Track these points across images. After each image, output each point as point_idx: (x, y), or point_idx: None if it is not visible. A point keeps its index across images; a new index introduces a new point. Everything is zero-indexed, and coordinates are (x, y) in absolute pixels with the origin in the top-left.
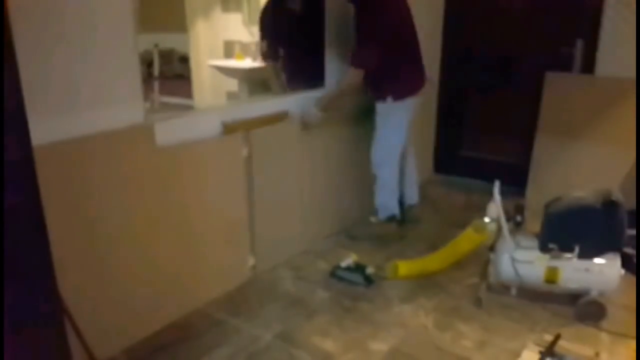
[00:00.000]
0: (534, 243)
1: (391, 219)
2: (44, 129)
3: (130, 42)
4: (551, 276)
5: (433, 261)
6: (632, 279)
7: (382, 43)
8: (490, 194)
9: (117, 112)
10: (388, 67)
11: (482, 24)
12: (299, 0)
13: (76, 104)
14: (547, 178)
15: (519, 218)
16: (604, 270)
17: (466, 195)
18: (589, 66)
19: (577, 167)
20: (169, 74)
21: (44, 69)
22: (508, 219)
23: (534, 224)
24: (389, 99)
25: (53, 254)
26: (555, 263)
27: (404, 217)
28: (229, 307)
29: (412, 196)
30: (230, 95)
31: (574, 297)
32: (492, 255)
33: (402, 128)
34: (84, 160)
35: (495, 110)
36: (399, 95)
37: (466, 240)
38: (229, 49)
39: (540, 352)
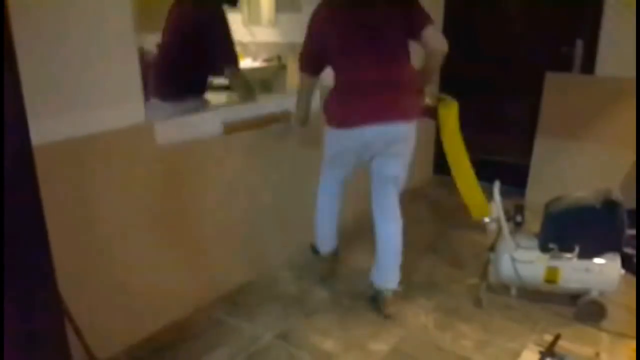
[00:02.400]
0: (534, 243)
1: (313, 250)
2: (44, 129)
3: (130, 42)
4: (551, 276)
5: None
6: (632, 279)
7: (316, 50)
8: (490, 194)
9: (117, 112)
10: (335, 83)
11: (481, 24)
12: None
13: (76, 104)
14: (547, 178)
15: (519, 218)
16: (604, 270)
17: None
18: (589, 66)
19: (577, 167)
20: None
21: (44, 69)
22: (508, 219)
23: (534, 224)
24: (326, 123)
25: (53, 253)
26: (555, 263)
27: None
28: (229, 307)
29: (382, 278)
30: (231, 95)
31: (574, 297)
32: (492, 255)
33: (335, 160)
34: (84, 160)
35: (495, 110)
36: (334, 120)
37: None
38: None
39: (541, 352)
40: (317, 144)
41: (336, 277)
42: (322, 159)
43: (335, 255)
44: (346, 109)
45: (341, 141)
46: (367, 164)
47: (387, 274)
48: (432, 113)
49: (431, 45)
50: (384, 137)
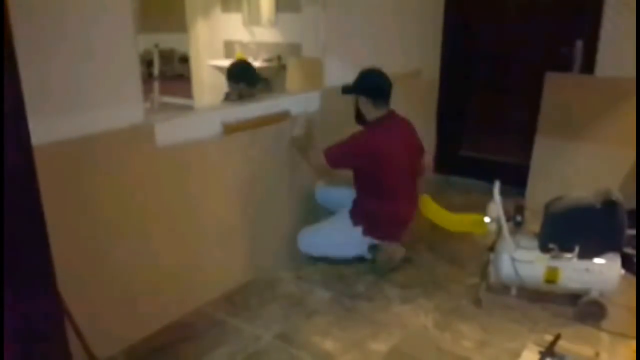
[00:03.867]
0: (534, 243)
1: (375, 249)
2: (45, 129)
3: (130, 42)
4: (551, 276)
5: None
6: (632, 279)
7: (357, 163)
8: (490, 194)
9: (117, 112)
10: (368, 194)
11: (482, 24)
12: None
13: (76, 104)
14: (547, 178)
15: (519, 218)
16: (604, 270)
17: (466, 195)
18: (589, 66)
19: (577, 167)
20: (169, 74)
21: (44, 69)
22: (508, 219)
23: (534, 224)
24: (360, 228)
25: (53, 253)
26: (555, 263)
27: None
28: (229, 307)
29: None
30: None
31: (574, 297)
32: (492, 255)
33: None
34: (84, 160)
35: (495, 110)
36: (374, 233)
37: (468, 223)
38: (229, 49)
39: (540, 352)
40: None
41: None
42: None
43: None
44: (387, 231)
45: (363, 241)
46: None
47: None
48: None
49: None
50: None
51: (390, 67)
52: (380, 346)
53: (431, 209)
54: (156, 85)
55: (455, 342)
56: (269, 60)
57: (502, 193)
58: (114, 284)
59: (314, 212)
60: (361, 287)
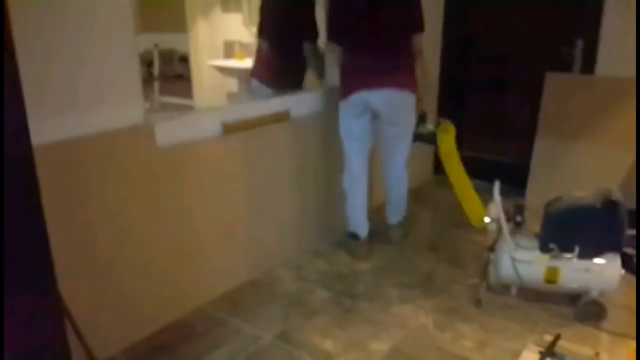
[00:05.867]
0: (534, 243)
1: (351, 236)
2: (44, 129)
3: (130, 42)
4: (551, 276)
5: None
6: (632, 279)
7: (335, 22)
8: (490, 194)
9: (117, 112)
10: (345, 60)
11: (482, 24)
12: None
13: (76, 104)
14: (547, 178)
15: (519, 218)
16: (604, 270)
17: None
18: (589, 66)
19: (577, 167)
20: (169, 74)
21: (44, 69)
22: (508, 219)
23: (534, 224)
24: (338, 96)
25: (53, 253)
26: (555, 263)
27: (371, 236)
28: (229, 307)
29: (391, 215)
30: (231, 96)
31: (574, 297)
32: (492, 255)
33: (349, 133)
34: (84, 160)
35: (495, 110)
36: (342, 92)
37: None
38: (229, 49)
39: (540, 353)
40: (317, 142)
41: (372, 256)
42: (343, 147)
43: (370, 235)
44: (352, 80)
45: (350, 109)
46: (378, 135)
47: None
48: (432, 137)
49: (416, 47)
50: (382, 102)
51: None
52: (380, 346)
53: (451, 150)
54: (156, 85)
55: (455, 342)
56: None
57: (502, 193)
58: (114, 284)
59: (316, 211)
60: (361, 287)
